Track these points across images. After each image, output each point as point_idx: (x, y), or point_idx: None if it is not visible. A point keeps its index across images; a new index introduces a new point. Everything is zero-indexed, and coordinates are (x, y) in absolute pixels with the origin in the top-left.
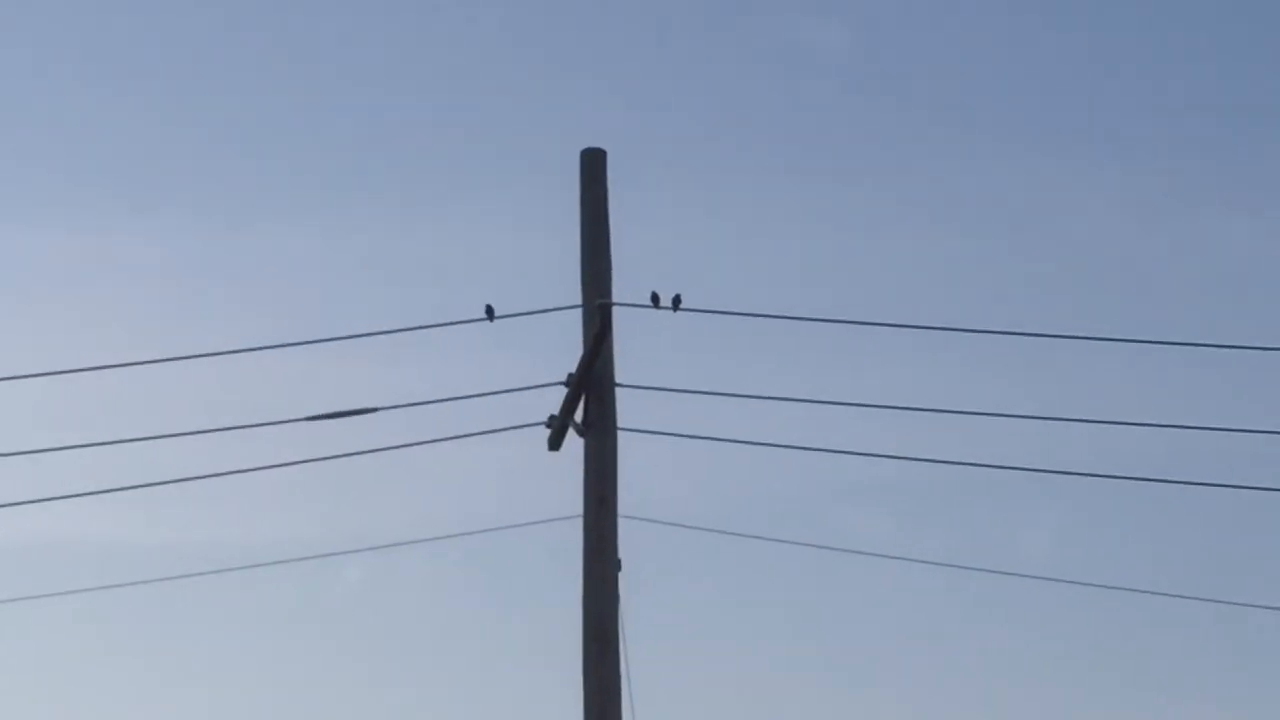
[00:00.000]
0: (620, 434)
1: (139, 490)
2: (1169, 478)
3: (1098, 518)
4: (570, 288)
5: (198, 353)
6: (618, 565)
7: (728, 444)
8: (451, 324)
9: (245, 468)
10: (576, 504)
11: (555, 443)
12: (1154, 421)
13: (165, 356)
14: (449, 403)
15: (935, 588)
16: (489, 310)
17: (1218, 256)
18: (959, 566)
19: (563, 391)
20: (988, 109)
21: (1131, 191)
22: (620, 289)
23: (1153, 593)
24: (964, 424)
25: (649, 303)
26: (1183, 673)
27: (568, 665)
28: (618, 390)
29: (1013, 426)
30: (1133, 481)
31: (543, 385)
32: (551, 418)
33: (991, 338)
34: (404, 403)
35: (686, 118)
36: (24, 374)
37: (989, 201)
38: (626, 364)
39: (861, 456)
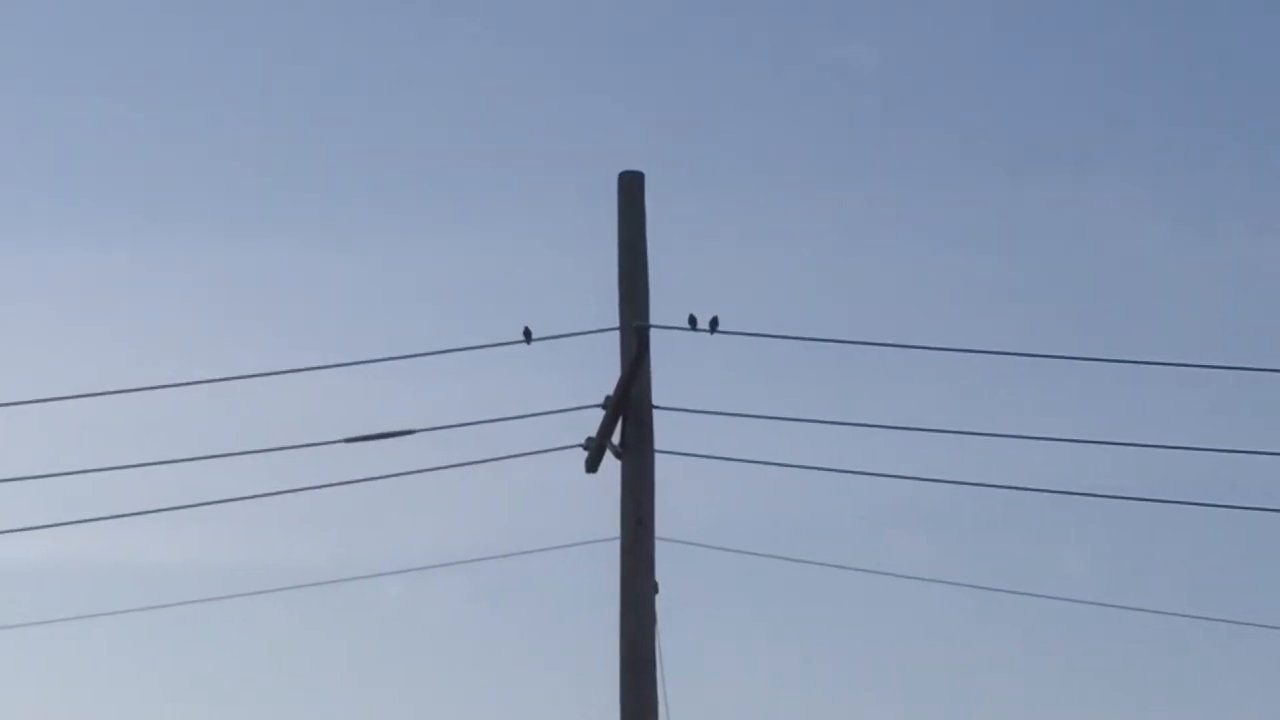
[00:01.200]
0: (658, 456)
1: (176, 511)
2: (1209, 501)
3: (1136, 541)
4: (608, 310)
5: (237, 374)
6: (655, 588)
7: (765, 466)
8: (489, 346)
9: (284, 489)
10: (614, 526)
11: (593, 465)
12: (1193, 445)
13: (204, 378)
14: (487, 424)
15: (973, 611)
16: (527, 332)
17: (1255, 275)
18: (997, 590)
19: (600, 413)
20: (1024, 127)
21: (1168, 209)
22: (658, 311)
23: (1191, 616)
24: (1003, 447)
25: (687, 325)
26: (1220, 696)
27: (604, 688)
28: (655, 412)
29: (1052, 450)
30: (1172, 505)
31: (580, 407)
32: (589, 440)
33: (1032, 360)
34: (442, 424)
35: (724, 140)
36: (62, 395)
37: (1031, 222)
38: (664, 386)
39: (900, 480)
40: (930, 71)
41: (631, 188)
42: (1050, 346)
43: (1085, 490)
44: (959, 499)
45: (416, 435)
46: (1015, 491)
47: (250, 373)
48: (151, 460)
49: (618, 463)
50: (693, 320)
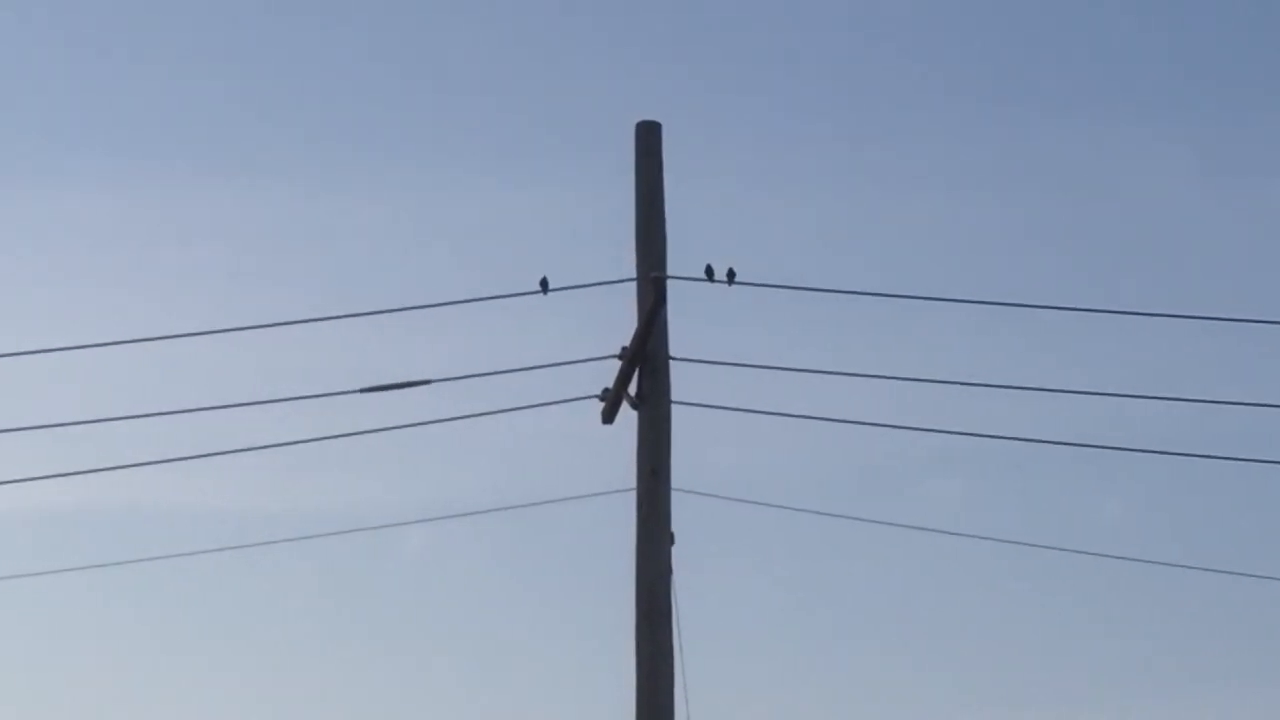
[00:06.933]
0: (674, 407)
1: (194, 460)
2: (1242, 455)
3: (1170, 494)
4: (625, 261)
5: (254, 324)
6: (670, 538)
7: (782, 418)
8: (506, 296)
9: (300, 439)
10: (630, 477)
11: (609, 415)
12: (1227, 399)
13: (222, 327)
14: (503, 375)
15: (1000, 563)
16: (543, 283)
17: None
18: (1024, 544)
19: (617, 364)
20: (1050, 72)
21: (1201, 159)
22: (675, 262)
23: (1224, 571)
24: (1029, 399)
25: (703, 276)
26: (1256, 650)
27: (620, 637)
28: (672, 363)
29: (1081, 402)
30: (1205, 459)
31: (597, 358)
32: (605, 390)
33: (1059, 312)
34: (459, 375)
35: (741, 90)
36: (79, 344)
37: (1053, 171)
38: (680, 337)
39: (916, 431)
40: (960, 15)
41: (649, 137)
42: (1078, 298)
43: (1119, 443)
44: (985, 450)
45: (433, 385)
46: (1045, 444)
47: (266, 322)
48: (169, 409)
49: (634, 414)
50: (709, 271)
